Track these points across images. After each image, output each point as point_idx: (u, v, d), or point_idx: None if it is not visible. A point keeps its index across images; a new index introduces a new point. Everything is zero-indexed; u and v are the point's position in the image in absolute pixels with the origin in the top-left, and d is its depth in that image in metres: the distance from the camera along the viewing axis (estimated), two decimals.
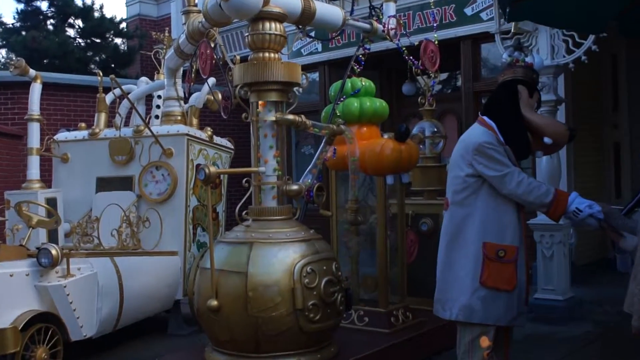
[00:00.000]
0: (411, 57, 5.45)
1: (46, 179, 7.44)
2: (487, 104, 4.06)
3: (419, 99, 6.14)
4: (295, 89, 4.24)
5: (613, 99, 9.62)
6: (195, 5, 5.61)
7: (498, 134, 3.79)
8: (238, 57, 4.22)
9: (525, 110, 3.86)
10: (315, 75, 10.62)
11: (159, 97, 7.33)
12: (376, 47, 7.57)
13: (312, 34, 5.30)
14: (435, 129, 6.13)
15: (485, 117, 3.92)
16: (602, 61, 9.30)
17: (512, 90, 3.92)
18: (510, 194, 3.72)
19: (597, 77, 9.43)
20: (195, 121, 7.02)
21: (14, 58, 9.42)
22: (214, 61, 4.32)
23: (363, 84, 5.14)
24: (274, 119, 4.05)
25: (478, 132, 3.84)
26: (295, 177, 10.01)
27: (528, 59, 4.06)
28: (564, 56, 6.55)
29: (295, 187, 4.07)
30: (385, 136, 5.06)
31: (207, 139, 6.83)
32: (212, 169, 3.75)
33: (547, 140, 3.86)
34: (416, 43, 5.48)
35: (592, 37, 6.36)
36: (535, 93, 3.98)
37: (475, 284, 3.70)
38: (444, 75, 10.47)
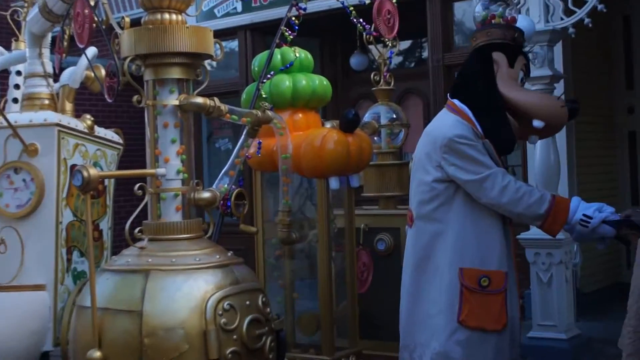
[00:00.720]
0: (361, 20, 5.48)
1: None
2: (457, 82, 4.08)
3: (372, 76, 6.19)
4: (206, 62, 4.24)
5: (626, 75, 9.80)
6: None
7: (475, 124, 3.82)
8: (127, 20, 4.18)
9: (504, 85, 3.86)
10: (233, 44, 10.60)
11: (19, 73, 7.19)
12: (315, 6, 7.59)
13: None
14: (394, 115, 6.20)
15: (455, 101, 3.94)
16: (612, 25, 9.50)
17: (486, 60, 3.93)
18: (491, 203, 3.75)
19: (605, 46, 9.61)
20: (69, 106, 6.91)
21: None
22: (94, 25, 4.26)
23: (297, 55, 5.18)
24: (177, 103, 4.04)
25: (448, 122, 3.86)
26: (207, 181, 9.93)
27: (508, 12, 4.06)
28: (562, 18, 6.67)
29: (207, 194, 4.07)
30: (328, 125, 5.08)
31: (86, 130, 6.74)
32: (93, 171, 3.72)
33: (537, 123, 3.89)
34: (368, 1, 5.51)
35: None
36: (520, 59, 3.98)
37: (452, 324, 3.73)
38: (405, 44, 10.56)
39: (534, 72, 6.22)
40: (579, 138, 8.46)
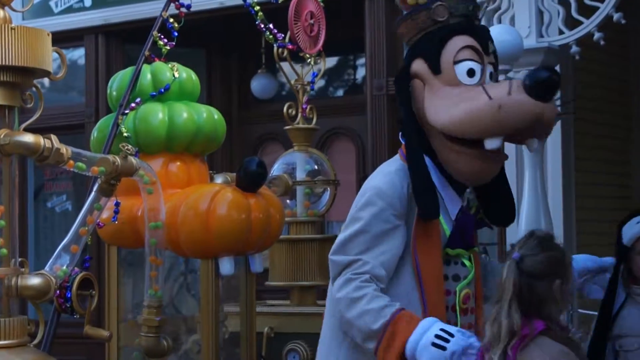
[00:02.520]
0: (270, 26, 5.51)
1: None
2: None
3: (285, 108, 6.22)
4: (37, 82, 4.19)
5: None
6: None
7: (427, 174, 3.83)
8: None
9: (436, 112, 3.82)
10: (78, 54, 10.62)
11: None
12: (202, 2, 7.62)
13: None
14: (316, 167, 6.26)
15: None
16: (632, 41, 9.68)
17: (401, 78, 3.97)
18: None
19: (622, 70, 9.77)
20: None
21: None
22: None
23: (176, 75, 5.19)
24: None
25: (387, 169, 3.89)
26: (33, 260, 9.81)
27: None
28: (562, 32, 6.76)
29: (35, 280, 3.98)
30: (219, 180, 5.08)
31: None
32: None
33: (489, 145, 3.83)
34: None
35: None
36: (453, 43, 3.85)
37: None
38: (332, 61, 10.64)
39: None
40: (579, 206, 8.52)
